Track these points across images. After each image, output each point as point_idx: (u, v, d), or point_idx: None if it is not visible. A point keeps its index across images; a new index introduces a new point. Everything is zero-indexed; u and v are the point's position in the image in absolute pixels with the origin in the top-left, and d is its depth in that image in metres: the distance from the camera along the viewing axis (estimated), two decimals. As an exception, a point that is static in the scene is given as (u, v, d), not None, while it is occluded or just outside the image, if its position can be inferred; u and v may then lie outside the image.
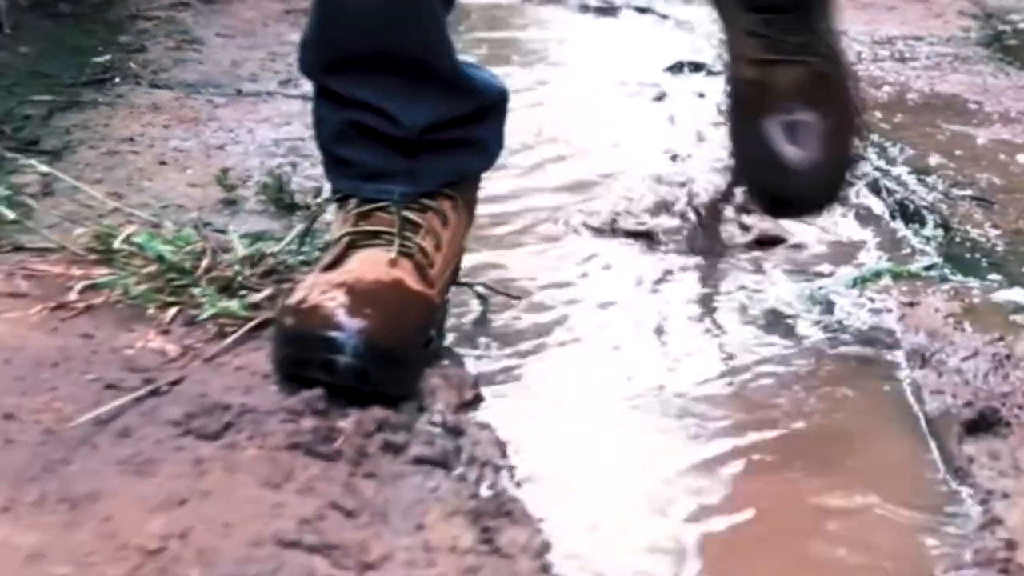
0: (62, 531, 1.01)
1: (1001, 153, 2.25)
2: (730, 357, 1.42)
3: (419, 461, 1.15)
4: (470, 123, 1.39)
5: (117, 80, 2.41)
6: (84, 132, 2.08)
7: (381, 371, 1.20)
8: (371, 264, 1.29)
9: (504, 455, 1.18)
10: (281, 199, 1.79)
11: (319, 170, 1.91)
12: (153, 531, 1.01)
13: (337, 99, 1.38)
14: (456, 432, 1.20)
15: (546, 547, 1.04)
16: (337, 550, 1.01)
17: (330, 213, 1.47)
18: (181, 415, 1.19)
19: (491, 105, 1.42)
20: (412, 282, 1.29)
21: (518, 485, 1.14)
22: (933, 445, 1.25)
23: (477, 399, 1.28)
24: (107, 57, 2.54)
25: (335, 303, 1.22)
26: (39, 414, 1.18)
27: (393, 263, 1.29)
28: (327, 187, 1.83)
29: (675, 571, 1.03)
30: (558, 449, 1.22)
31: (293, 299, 1.26)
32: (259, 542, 1.01)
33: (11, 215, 1.60)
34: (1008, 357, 1.36)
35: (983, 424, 1.23)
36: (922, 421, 1.29)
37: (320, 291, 1.25)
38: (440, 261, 1.34)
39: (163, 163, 1.96)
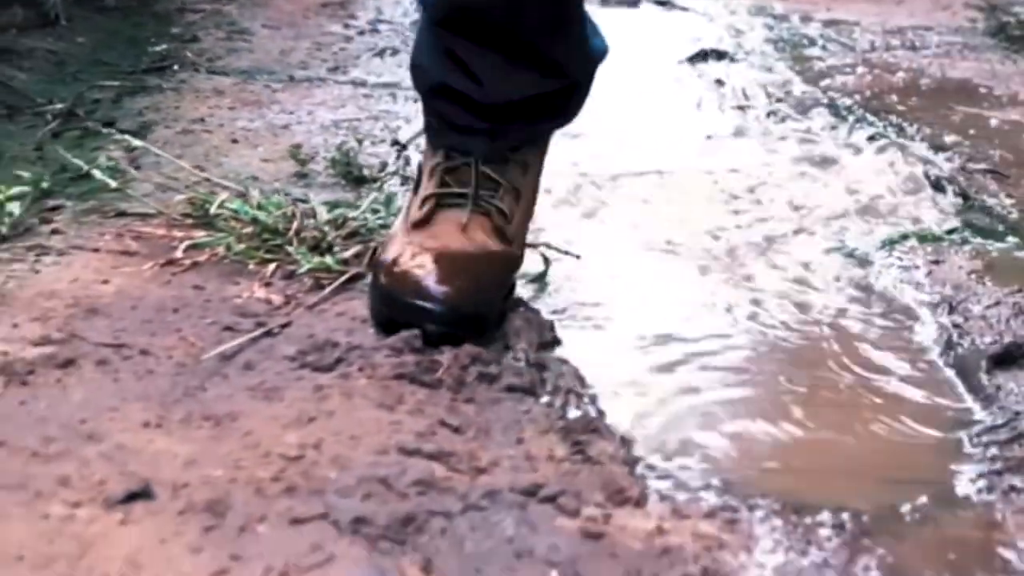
0: (211, 443, 1.16)
1: (1012, 132, 2.40)
2: (762, 306, 1.57)
3: (511, 389, 1.29)
4: (559, 98, 1.47)
5: (176, 67, 2.56)
6: (156, 114, 2.22)
7: (467, 330, 1.34)
8: (455, 228, 1.42)
9: (584, 385, 1.33)
10: (350, 172, 1.93)
11: (381, 147, 2.07)
12: (291, 442, 1.16)
13: (440, 50, 1.44)
14: (540, 366, 1.35)
15: (632, 458, 1.19)
16: (452, 457, 1.16)
17: (421, 144, 1.60)
18: (295, 352, 1.34)
19: (582, 81, 1.49)
20: (492, 243, 1.41)
21: (599, 410, 1.29)
22: (960, 380, 1.39)
23: (555, 340, 1.43)
24: (163, 46, 2.68)
25: (424, 271, 1.36)
26: (171, 350, 1.33)
27: (471, 225, 1.41)
28: (391, 162, 2.00)
29: (744, 464, 1.18)
30: (629, 382, 1.37)
31: (387, 255, 1.40)
32: (383, 451, 1.16)
33: (113, 183, 1.75)
34: (1028, 306, 1.51)
35: (1008, 358, 1.37)
36: (951, 358, 1.43)
37: (411, 255, 1.38)
38: (519, 214, 1.46)
39: (235, 141, 2.11)
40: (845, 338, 1.49)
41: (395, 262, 1.38)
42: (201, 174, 1.85)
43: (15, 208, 1.62)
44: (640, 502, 1.10)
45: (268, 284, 1.52)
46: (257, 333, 1.38)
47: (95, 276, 1.51)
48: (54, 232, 1.63)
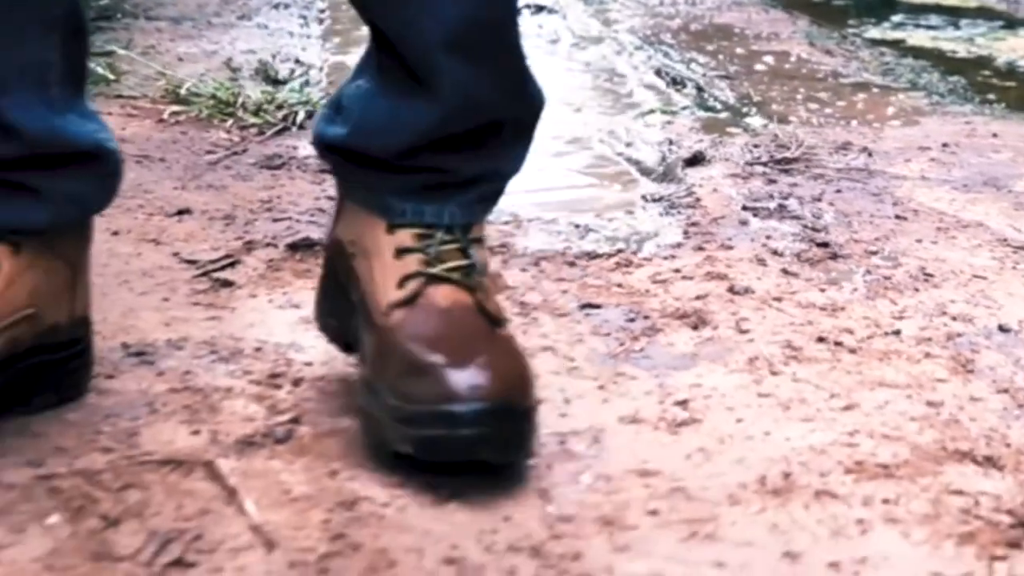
0: (215, 195, 1.97)
1: (749, 55, 3.31)
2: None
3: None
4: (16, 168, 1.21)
5: (119, 16, 3.34)
6: (116, 43, 3.01)
7: None
8: None
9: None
10: (268, 76, 2.75)
11: (286, 64, 2.89)
12: (263, 197, 1.97)
13: None
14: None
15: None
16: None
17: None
18: (255, 160, 2.15)
19: (60, 155, 1.23)
20: None
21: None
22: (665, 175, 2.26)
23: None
24: (104, 2, 3.46)
25: None
26: (178, 159, 2.14)
27: None
28: (300, 68, 2.81)
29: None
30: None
31: None
32: (315, 200, 1.98)
33: (112, 76, 2.55)
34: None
35: (695, 161, 2.25)
36: (663, 164, 2.30)
37: None
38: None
39: (180, 60, 2.91)
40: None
41: None
42: (167, 72, 2.66)
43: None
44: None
45: (228, 131, 2.33)
46: (228, 152, 2.20)
47: (115, 127, 2.31)
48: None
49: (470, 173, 1.24)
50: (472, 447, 1.13)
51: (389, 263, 1.22)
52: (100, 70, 2.58)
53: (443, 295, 1.20)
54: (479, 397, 1.13)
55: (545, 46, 3.34)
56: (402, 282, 1.21)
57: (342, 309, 1.29)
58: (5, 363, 1.20)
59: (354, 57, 3.01)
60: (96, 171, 1.27)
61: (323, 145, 1.30)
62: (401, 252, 1.22)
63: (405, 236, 1.23)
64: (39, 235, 1.23)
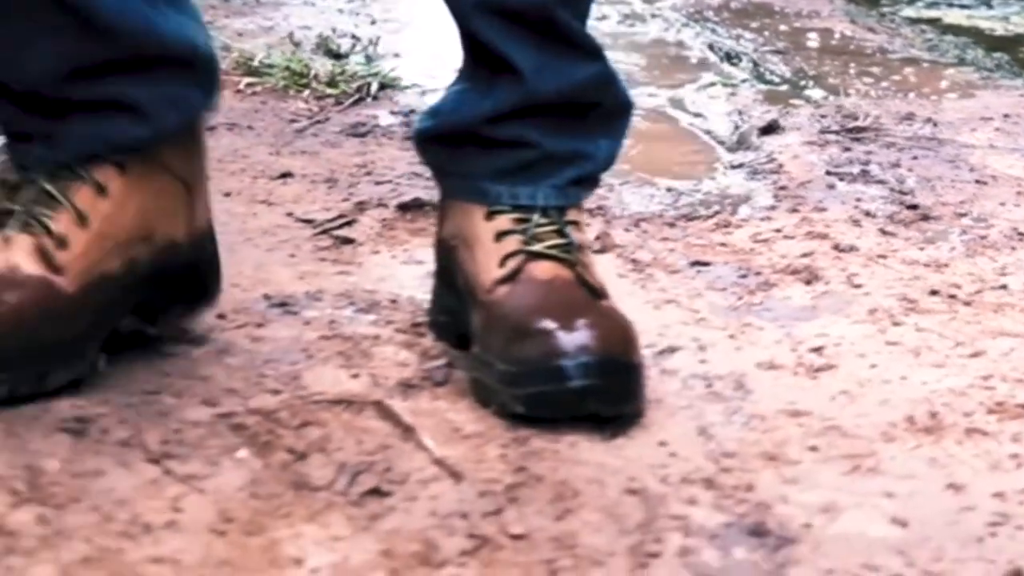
0: (309, 160, 2.00)
1: (792, 32, 3.35)
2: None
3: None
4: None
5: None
6: (174, 19, 3.04)
7: None
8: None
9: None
10: (330, 50, 2.78)
11: (344, 39, 2.92)
12: (356, 162, 2.01)
13: None
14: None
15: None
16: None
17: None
18: (340, 128, 2.19)
19: (156, 57, 1.19)
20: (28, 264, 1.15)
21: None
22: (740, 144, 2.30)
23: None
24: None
25: None
26: (266, 127, 2.17)
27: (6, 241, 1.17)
28: (358, 43, 2.85)
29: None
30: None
31: None
32: (411, 164, 2.02)
33: (184, 48, 2.58)
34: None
35: (769, 130, 2.29)
36: (736, 134, 2.34)
37: None
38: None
39: (240, 35, 2.94)
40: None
41: None
42: (236, 44, 2.69)
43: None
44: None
45: (307, 101, 2.36)
46: (312, 120, 2.23)
47: (196, 95, 2.34)
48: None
49: (556, 150, 1.28)
50: (581, 400, 1.16)
51: (490, 246, 1.26)
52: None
53: (543, 270, 1.24)
54: (585, 352, 1.16)
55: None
56: (503, 261, 1.25)
57: (451, 303, 1.33)
58: (127, 286, 1.22)
59: (407, 35, 3.08)
60: (193, 73, 1.23)
61: (421, 140, 1.35)
62: (500, 235, 1.26)
63: (503, 220, 1.27)
64: (143, 151, 1.21)
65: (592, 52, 1.28)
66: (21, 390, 1.13)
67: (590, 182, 1.33)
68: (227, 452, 1.10)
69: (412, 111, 2.37)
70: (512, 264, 1.25)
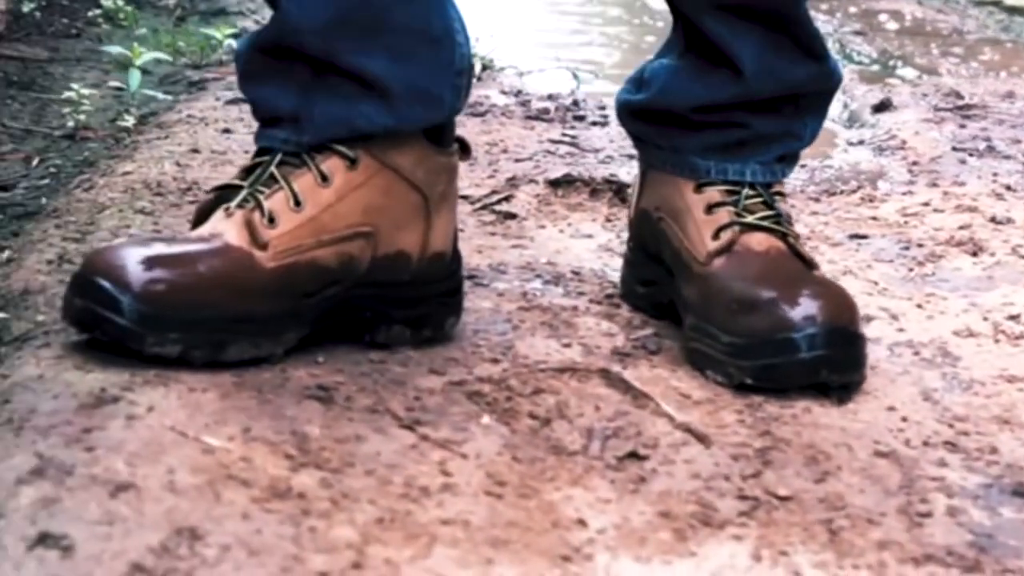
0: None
1: (864, 14, 3.36)
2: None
3: (593, 123, 2.16)
4: None
5: (225, 12, 3.38)
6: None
7: None
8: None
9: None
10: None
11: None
12: (484, 140, 2.01)
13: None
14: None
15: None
16: (577, 141, 2.02)
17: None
18: (457, 108, 2.19)
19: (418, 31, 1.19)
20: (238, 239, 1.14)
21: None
22: (850, 121, 2.30)
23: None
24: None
25: None
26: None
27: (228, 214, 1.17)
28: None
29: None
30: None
31: None
32: (539, 142, 2.02)
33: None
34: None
35: (882, 107, 2.29)
36: (846, 111, 2.34)
37: None
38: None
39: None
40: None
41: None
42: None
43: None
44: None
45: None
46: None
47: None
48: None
49: (766, 131, 1.30)
50: (812, 370, 1.17)
51: (701, 219, 1.27)
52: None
53: (757, 241, 1.26)
54: (812, 323, 1.17)
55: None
56: (717, 233, 1.26)
57: (652, 274, 1.34)
58: (341, 281, 1.19)
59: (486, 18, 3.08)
60: (443, 63, 1.19)
61: (627, 112, 1.36)
62: (711, 207, 1.27)
63: (713, 193, 1.28)
64: (379, 141, 1.18)
65: (813, 52, 1.28)
66: (194, 354, 1.10)
67: (793, 158, 1.34)
68: (471, 418, 1.10)
69: (519, 92, 2.37)
70: (727, 236, 1.25)
